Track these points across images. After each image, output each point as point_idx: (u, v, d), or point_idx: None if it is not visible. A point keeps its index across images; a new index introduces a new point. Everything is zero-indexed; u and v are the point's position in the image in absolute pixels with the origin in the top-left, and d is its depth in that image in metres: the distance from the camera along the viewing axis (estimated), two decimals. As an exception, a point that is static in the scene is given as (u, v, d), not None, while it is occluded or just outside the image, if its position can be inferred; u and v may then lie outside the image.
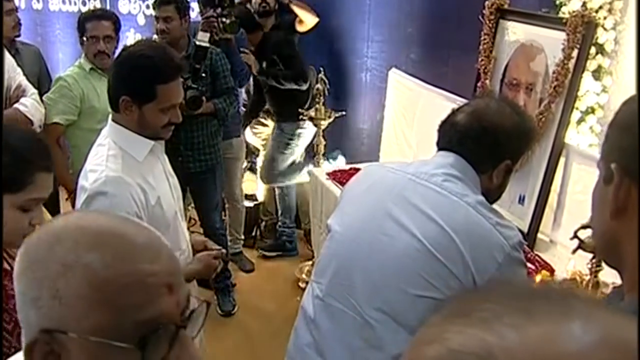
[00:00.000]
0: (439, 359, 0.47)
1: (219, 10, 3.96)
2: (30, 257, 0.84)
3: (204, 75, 3.71)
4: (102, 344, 0.79)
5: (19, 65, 3.32)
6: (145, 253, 0.84)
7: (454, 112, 1.75)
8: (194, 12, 4.60)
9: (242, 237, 4.76)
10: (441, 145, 1.73)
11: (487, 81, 2.85)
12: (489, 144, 1.65)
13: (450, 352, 0.47)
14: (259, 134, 4.93)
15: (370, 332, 1.59)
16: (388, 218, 1.61)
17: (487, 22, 2.85)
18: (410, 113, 4.06)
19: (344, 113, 4.26)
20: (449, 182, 1.61)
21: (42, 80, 3.86)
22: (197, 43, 3.66)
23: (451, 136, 1.69)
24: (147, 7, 3.86)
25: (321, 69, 4.20)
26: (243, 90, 4.72)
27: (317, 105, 4.09)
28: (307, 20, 4.45)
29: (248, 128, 4.84)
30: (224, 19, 3.93)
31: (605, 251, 1.00)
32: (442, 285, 1.51)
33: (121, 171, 1.99)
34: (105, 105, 3.28)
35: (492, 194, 1.70)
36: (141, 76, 2.04)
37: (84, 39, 3.47)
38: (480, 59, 2.88)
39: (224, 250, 2.31)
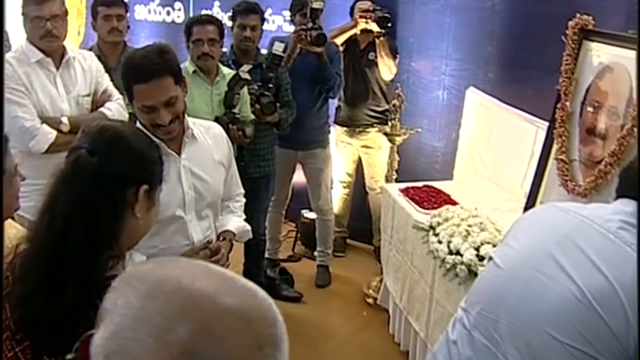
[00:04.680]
0: None
1: (309, 24, 4.06)
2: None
3: (271, 85, 3.82)
4: None
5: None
6: None
7: None
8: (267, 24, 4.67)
9: (330, 251, 4.80)
10: (621, 192, 1.56)
11: (568, 103, 2.79)
12: None
13: None
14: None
15: None
16: (549, 258, 1.49)
17: (570, 42, 2.79)
18: (486, 132, 4.02)
19: (419, 130, 4.25)
20: (625, 231, 1.44)
21: None
22: (273, 52, 3.75)
23: (634, 183, 1.52)
24: (229, 18, 3.97)
25: (398, 85, 4.21)
26: (336, 101, 4.77)
27: (393, 122, 4.10)
28: (391, 67, 4.50)
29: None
30: (312, 32, 4.02)
31: None
32: (597, 342, 1.37)
33: None
34: (199, 109, 3.45)
35: None
36: (123, 73, 2.28)
37: (190, 42, 3.60)
38: (561, 80, 2.82)
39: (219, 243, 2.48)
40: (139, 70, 2.20)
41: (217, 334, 0.76)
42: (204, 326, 0.76)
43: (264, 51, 4.02)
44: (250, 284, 0.84)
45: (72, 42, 5.72)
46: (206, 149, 2.48)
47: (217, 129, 2.61)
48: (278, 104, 3.94)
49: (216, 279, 0.82)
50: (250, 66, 3.73)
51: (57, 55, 3.15)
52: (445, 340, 1.71)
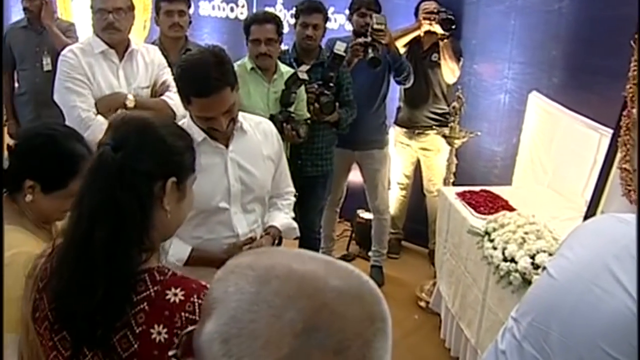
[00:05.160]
0: None
1: (369, 39, 4.05)
2: None
3: (332, 85, 3.81)
4: None
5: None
6: None
7: None
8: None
9: (385, 251, 4.79)
10: None
11: (634, 110, 2.70)
12: None
13: None
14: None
15: None
16: (605, 270, 1.44)
17: (639, 47, 2.70)
18: (548, 138, 3.93)
19: (478, 133, 4.19)
20: None
21: None
22: (335, 52, 3.75)
23: None
24: (292, 16, 3.99)
25: (459, 87, 4.16)
26: (396, 101, 4.76)
27: (452, 124, 4.05)
28: (455, 70, 4.44)
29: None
30: (370, 50, 4.01)
31: None
32: None
33: None
34: (255, 105, 3.49)
35: None
36: (180, 82, 2.33)
37: (249, 40, 3.61)
38: (628, 86, 2.73)
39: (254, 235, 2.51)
40: (198, 86, 2.22)
41: (334, 310, 0.78)
42: (323, 303, 0.78)
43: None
44: (352, 267, 0.87)
45: (138, 36, 5.85)
46: (255, 143, 2.51)
47: (268, 124, 2.64)
48: (337, 104, 3.93)
49: (321, 262, 0.85)
50: (308, 66, 3.75)
51: (120, 48, 3.24)
52: (494, 350, 1.67)
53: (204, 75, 2.20)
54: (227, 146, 2.42)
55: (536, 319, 1.54)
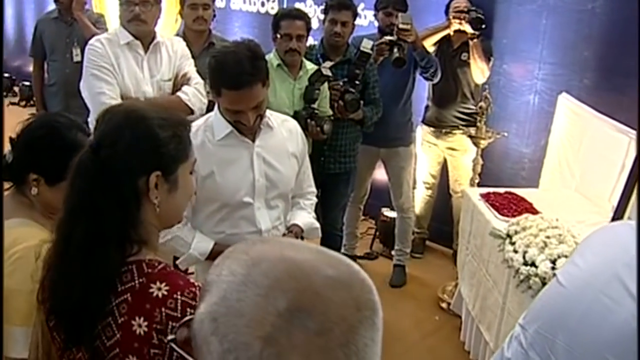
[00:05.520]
0: None
1: (395, 37, 4.01)
2: None
3: (357, 82, 3.78)
4: None
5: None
6: None
7: None
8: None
9: (408, 250, 4.75)
10: None
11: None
12: None
13: None
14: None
15: None
16: (616, 280, 1.41)
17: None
18: (577, 141, 3.85)
19: (505, 134, 4.12)
20: None
21: None
22: (362, 49, 3.71)
23: None
24: (322, 11, 3.97)
25: (486, 87, 4.10)
26: (424, 99, 4.72)
27: (479, 124, 3.99)
28: (484, 70, 4.37)
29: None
30: (395, 50, 3.98)
31: None
32: None
33: None
34: (281, 102, 3.48)
35: None
36: (211, 73, 2.34)
37: (278, 35, 3.58)
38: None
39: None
40: (231, 78, 2.22)
41: (320, 293, 0.79)
42: (309, 285, 0.79)
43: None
44: (345, 258, 0.88)
45: (170, 28, 5.89)
46: (280, 140, 2.51)
47: (293, 123, 2.64)
48: (362, 102, 3.90)
49: (314, 251, 0.86)
50: (332, 62, 3.72)
51: (146, 40, 3.26)
52: (500, 357, 1.64)
53: (237, 69, 2.20)
54: (253, 141, 2.42)
55: (543, 327, 1.51)
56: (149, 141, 1.37)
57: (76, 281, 1.29)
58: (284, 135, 2.54)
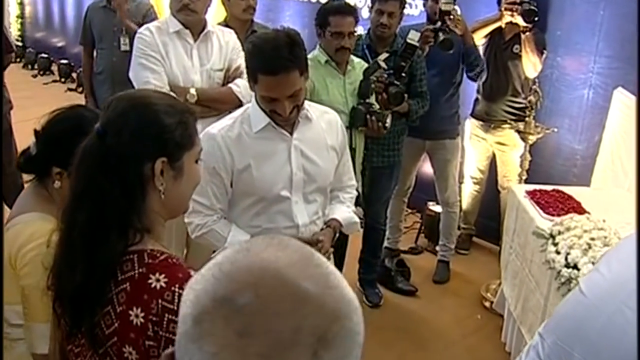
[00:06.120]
0: None
1: (438, 23, 3.92)
2: None
3: (403, 75, 3.67)
4: None
5: None
6: None
7: None
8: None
9: (452, 245, 4.67)
10: None
11: None
12: None
13: None
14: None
15: None
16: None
17: None
18: (631, 138, 3.67)
19: (555, 130, 3.97)
20: None
21: None
22: (408, 41, 3.62)
23: None
24: (372, 1, 3.89)
25: (536, 80, 3.96)
26: (473, 92, 4.61)
27: (527, 119, 3.86)
28: (536, 64, 4.22)
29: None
30: (439, 35, 3.88)
31: None
32: None
33: (220, 131, 2.31)
34: (334, 99, 3.40)
35: None
36: (248, 58, 2.27)
37: (327, 32, 3.43)
38: None
39: (321, 238, 2.42)
40: (268, 63, 2.16)
41: (264, 297, 0.73)
42: (259, 285, 0.74)
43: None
44: (333, 273, 0.79)
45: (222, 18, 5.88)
46: (319, 132, 2.44)
47: (333, 114, 2.56)
48: (407, 95, 3.80)
49: (302, 257, 0.79)
50: (387, 54, 3.62)
51: (196, 29, 3.25)
52: None
53: (274, 53, 2.15)
54: (291, 133, 2.36)
55: (561, 338, 1.43)
56: (154, 127, 1.36)
57: (78, 266, 1.29)
58: (323, 128, 2.47)
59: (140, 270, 1.30)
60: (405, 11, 5.23)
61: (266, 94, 2.23)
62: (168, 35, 3.20)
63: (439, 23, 3.92)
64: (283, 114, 2.24)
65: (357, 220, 2.66)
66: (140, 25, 3.66)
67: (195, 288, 0.78)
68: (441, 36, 3.86)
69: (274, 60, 2.15)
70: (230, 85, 3.27)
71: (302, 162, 2.38)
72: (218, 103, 3.19)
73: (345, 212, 2.61)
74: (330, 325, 0.75)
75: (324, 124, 2.48)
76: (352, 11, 3.51)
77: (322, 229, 2.49)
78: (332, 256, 2.60)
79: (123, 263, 1.31)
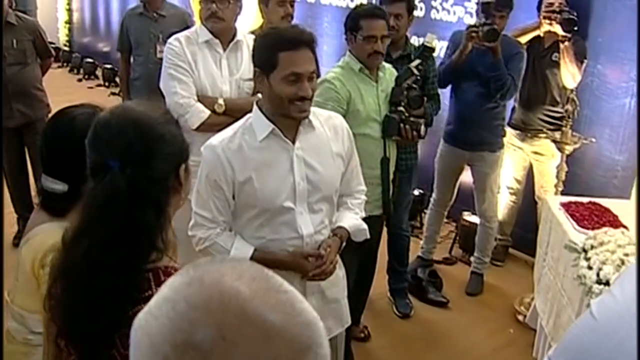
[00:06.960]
0: None
1: (482, 19, 3.85)
2: None
3: (419, 78, 3.56)
4: None
5: None
6: None
7: None
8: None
9: (487, 259, 4.56)
10: None
11: None
12: None
13: None
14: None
15: None
16: None
17: None
18: (674, 150, 3.54)
19: (593, 140, 3.85)
20: None
21: None
22: (425, 44, 3.54)
23: None
24: (380, 3, 3.83)
25: (573, 89, 3.84)
26: (510, 102, 4.45)
27: (564, 128, 3.75)
28: (575, 74, 4.10)
29: None
30: (484, 27, 3.81)
31: None
32: None
33: (220, 142, 2.26)
34: (369, 108, 3.33)
35: None
36: (265, 44, 2.21)
37: (358, 37, 3.27)
38: None
39: (323, 252, 2.35)
40: (289, 38, 2.17)
41: (227, 337, 0.69)
42: (222, 324, 0.70)
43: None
44: (294, 295, 0.76)
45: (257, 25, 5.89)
46: (323, 139, 2.38)
47: (339, 119, 2.50)
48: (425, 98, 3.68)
49: (262, 284, 0.75)
50: (419, 60, 3.53)
51: (225, 38, 3.24)
52: None
53: (293, 31, 2.21)
54: (293, 142, 2.31)
55: None
56: (169, 142, 1.37)
57: (107, 306, 1.26)
58: (327, 135, 2.40)
59: (157, 289, 1.27)
60: (444, 17, 5.20)
61: (290, 69, 2.15)
62: (197, 44, 3.21)
63: (483, 19, 3.87)
64: (306, 95, 2.19)
65: (365, 226, 2.58)
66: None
67: (150, 333, 0.73)
68: (486, 28, 3.79)
69: (296, 35, 2.18)
70: (259, 94, 3.25)
71: (305, 172, 2.32)
72: (246, 113, 3.16)
73: (353, 219, 2.54)
74: (302, 357, 0.73)
75: (329, 131, 2.41)
76: (384, 14, 3.36)
77: (328, 237, 2.44)
78: (341, 265, 2.55)
79: (139, 282, 1.29)
